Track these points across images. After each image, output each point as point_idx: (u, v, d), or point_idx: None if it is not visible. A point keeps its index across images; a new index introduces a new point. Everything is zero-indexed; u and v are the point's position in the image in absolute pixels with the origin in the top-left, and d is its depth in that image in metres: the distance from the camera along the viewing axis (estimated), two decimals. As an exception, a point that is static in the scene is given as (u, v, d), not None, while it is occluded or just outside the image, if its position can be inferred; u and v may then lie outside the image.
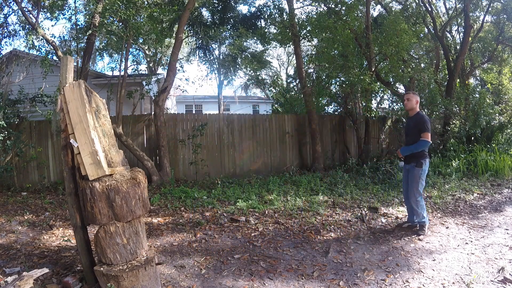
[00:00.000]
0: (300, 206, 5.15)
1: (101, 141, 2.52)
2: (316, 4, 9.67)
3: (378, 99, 11.84)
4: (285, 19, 9.47)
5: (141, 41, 9.59)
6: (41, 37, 6.93)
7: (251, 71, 18.25)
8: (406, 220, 4.27)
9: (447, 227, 4.14)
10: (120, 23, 7.32)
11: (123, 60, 7.56)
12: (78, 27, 7.68)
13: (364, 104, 9.47)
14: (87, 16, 7.66)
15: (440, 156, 8.22)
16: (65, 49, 8.32)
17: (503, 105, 11.53)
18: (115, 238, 2.47)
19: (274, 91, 20.16)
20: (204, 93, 25.79)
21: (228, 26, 11.52)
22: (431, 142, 3.81)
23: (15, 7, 7.18)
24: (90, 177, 2.40)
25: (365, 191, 6.11)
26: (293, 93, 15.14)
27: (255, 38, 12.12)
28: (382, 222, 4.41)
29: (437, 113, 9.68)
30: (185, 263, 3.24)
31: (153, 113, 7.85)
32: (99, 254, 2.54)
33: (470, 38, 10.40)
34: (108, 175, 2.47)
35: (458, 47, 11.30)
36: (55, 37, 7.53)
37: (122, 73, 7.43)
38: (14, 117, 6.98)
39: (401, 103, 10.44)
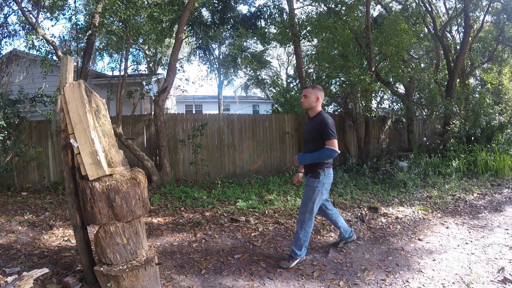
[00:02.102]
0: (300, 206, 5.15)
1: (101, 141, 2.52)
2: (316, 4, 9.67)
3: (378, 99, 11.85)
4: (285, 19, 9.48)
5: (141, 41, 9.59)
6: (41, 37, 6.93)
7: (251, 71, 18.28)
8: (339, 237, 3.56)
9: (447, 227, 4.14)
10: (120, 23, 7.32)
11: (123, 60, 7.56)
12: (78, 27, 7.68)
13: (364, 104, 9.47)
14: (87, 16, 7.66)
15: (440, 156, 8.22)
16: (65, 49, 8.31)
17: (503, 105, 11.54)
18: (115, 238, 2.47)
19: (274, 91, 20.18)
20: (204, 93, 25.81)
21: (228, 26, 11.53)
22: (339, 152, 2.95)
23: (15, 7, 7.18)
24: (90, 177, 2.40)
25: (365, 191, 6.11)
26: (293, 93, 15.14)
27: (255, 38, 12.13)
28: (382, 222, 4.41)
29: (437, 113, 9.69)
30: (185, 263, 3.24)
31: (153, 113, 7.84)
32: (99, 254, 2.54)
33: (470, 38, 10.40)
34: (108, 175, 2.47)
35: (458, 47, 11.30)
36: (55, 37, 7.53)
37: (122, 73, 7.43)
38: (14, 117, 6.97)
39: (401, 103, 10.48)
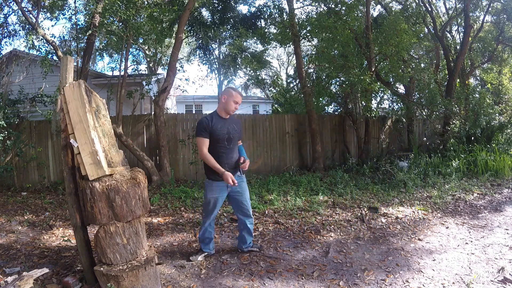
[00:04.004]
0: (300, 206, 5.15)
1: (101, 141, 2.52)
2: (316, 4, 9.66)
3: (378, 99, 11.85)
4: (285, 19, 9.46)
5: (141, 41, 9.59)
6: (41, 37, 6.93)
7: (251, 71, 18.23)
8: (250, 245, 3.47)
9: (447, 227, 4.14)
10: (120, 23, 7.32)
11: (123, 60, 7.56)
12: (78, 27, 7.68)
13: (364, 104, 9.46)
14: (87, 16, 7.66)
15: (440, 156, 8.22)
16: (65, 49, 8.31)
17: (503, 105, 11.54)
18: (115, 238, 2.47)
19: (274, 91, 20.17)
20: (204, 93, 25.75)
21: (228, 26, 11.51)
22: None
23: (15, 7, 7.18)
24: (90, 177, 2.40)
25: (365, 191, 6.11)
26: (293, 93, 15.13)
27: (255, 38, 12.10)
28: (382, 222, 4.41)
29: (437, 113, 9.68)
30: (185, 263, 3.24)
31: (153, 113, 7.85)
32: (99, 254, 2.54)
33: (470, 38, 10.39)
34: (108, 175, 2.47)
35: (458, 47, 11.30)
36: (55, 37, 7.53)
37: (122, 73, 7.43)
38: (14, 117, 6.97)
39: (401, 103, 10.48)
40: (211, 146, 3.01)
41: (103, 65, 40.86)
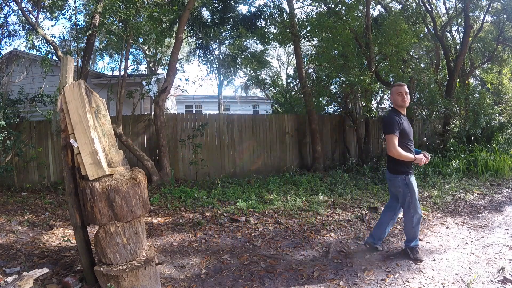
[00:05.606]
0: (300, 206, 5.15)
1: (101, 141, 2.52)
2: (316, 4, 9.66)
3: (378, 99, 11.83)
4: (285, 19, 9.46)
5: (141, 41, 9.59)
6: (41, 37, 6.93)
7: (251, 71, 18.23)
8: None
9: (447, 227, 4.14)
10: (120, 23, 7.32)
11: (123, 60, 7.56)
12: (78, 27, 7.68)
13: (364, 104, 9.46)
14: (87, 16, 7.66)
15: (440, 156, 8.22)
16: (65, 49, 8.31)
17: (503, 105, 11.53)
18: (115, 238, 2.47)
19: (274, 91, 20.16)
20: (204, 93, 25.79)
21: (228, 26, 11.51)
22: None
23: (15, 7, 7.19)
24: (90, 177, 2.40)
25: (365, 191, 6.11)
26: (293, 93, 15.12)
27: (255, 38, 12.11)
28: (382, 222, 4.40)
29: (437, 113, 9.68)
30: (185, 263, 3.24)
31: (153, 113, 7.85)
32: (99, 254, 2.54)
33: (470, 38, 10.39)
34: (108, 175, 2.47)
35: (458, 47, 11.29)
36: (55, 37, 7.53)
37: (122, 73, 7.43)
38: (14, 117, 6.97)
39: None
40: (399, 144, 3.09)
41: (103, 65, 40.91)
